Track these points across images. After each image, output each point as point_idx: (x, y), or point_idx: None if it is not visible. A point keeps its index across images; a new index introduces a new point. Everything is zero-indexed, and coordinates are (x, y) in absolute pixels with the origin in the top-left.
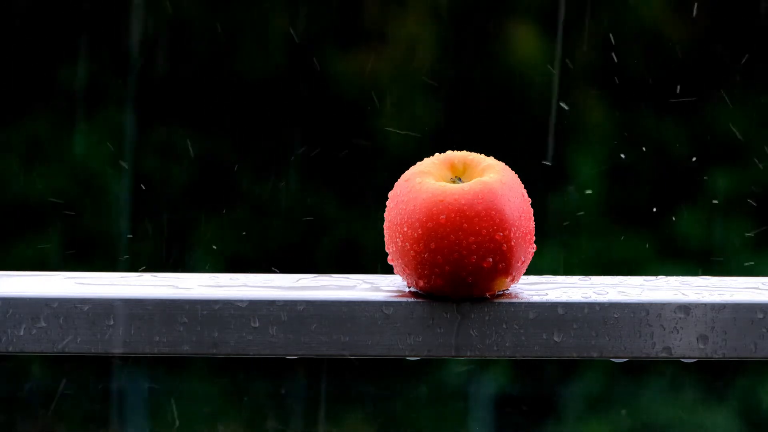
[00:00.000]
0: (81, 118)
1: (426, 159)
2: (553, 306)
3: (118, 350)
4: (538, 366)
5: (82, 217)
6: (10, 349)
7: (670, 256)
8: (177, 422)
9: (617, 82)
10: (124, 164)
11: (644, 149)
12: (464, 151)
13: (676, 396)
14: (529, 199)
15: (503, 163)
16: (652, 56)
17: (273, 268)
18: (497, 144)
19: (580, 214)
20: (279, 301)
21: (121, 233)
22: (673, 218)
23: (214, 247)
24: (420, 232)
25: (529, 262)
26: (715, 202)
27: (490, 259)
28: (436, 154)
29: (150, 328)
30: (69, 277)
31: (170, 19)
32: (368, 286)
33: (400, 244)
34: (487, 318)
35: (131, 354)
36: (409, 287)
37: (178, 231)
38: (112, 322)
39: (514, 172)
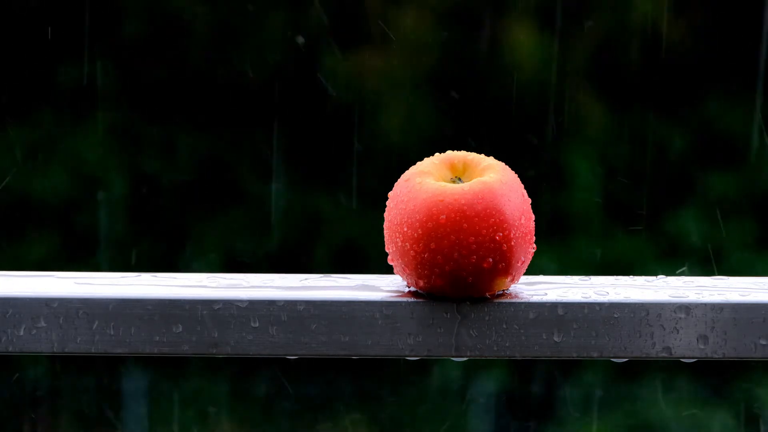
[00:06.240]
0: (81, 117)
1: (426, 159)
2: (553, 306)
3: (118, 350)
4: (538, 366)
5: (82, 217)
6: (10, 349)
7: (670, 256)
8: (177, 422)
9: (616, 81)
10: (123, 164)
11: (643, 149)
12: (464, 151)
13: (676, 396)
14: (529, 199)
15: (503, 163)
16: (651, 56)
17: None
18: (497, 143)
19: (579, 213)
20: (279, 301)
21: (121, 233)
22: (673, 218)
23: (214, 247)
24: (420, 232)
25: (529, 262)
26: (715, 202)
27: (490, 259)
28: (436, 154)
29: (150, 328)
30: (69, 277)
31: (170, 18)
32: (368, 286)
33: (400, 244)
34: (487, 318)
35: (131, 354)
36: (409, 287)
37: (178, 231)
38: (112, 322)
39: (514, 172)
